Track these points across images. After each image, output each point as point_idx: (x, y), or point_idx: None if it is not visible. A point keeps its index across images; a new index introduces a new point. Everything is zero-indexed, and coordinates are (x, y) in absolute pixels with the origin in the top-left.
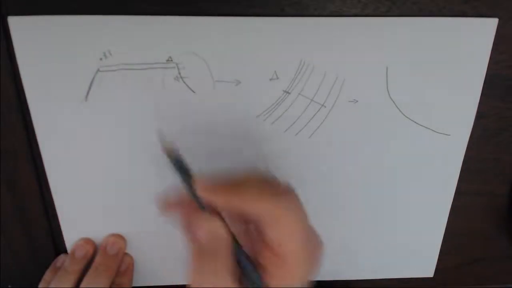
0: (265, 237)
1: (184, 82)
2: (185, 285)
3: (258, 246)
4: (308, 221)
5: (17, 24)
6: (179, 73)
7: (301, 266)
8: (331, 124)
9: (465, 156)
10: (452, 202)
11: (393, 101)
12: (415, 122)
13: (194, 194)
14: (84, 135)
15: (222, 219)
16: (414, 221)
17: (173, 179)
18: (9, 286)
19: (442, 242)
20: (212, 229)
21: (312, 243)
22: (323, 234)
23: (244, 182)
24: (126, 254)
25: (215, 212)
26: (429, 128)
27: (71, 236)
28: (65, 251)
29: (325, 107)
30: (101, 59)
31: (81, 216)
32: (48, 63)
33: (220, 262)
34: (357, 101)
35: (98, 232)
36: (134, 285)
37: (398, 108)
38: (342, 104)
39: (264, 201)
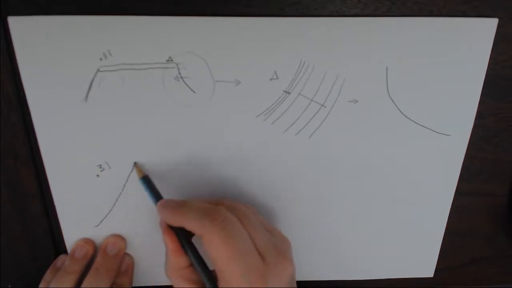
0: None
1: (184, 82)
2: None
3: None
4: (243, 244)
5: (17, 24)
6: (179, 73)
7: (237, 282)
8: (331, 124)
9: (465, 156)
10: (452, 202)
11: (393, 101)
12: (415, 122)
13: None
14: (84, 135)
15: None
16: (414, 221)
17: (171, 179)
18: (9, 286)
19: (442, 242)
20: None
21: (252, 262)
22: (323, 234)
23: (189, 205)
24: (126, 254)
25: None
26: (429, 128)
27: (71, 236)
28: (65, 251)
29: (325, 107)
30: (101, 59)
31: (81, 216)
32: (48, 63)
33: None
34: (357, 101)
35: (98, 232)
36: (134, 285)
37: (398, 108)
38: (342, 104)
39: (196, 222)
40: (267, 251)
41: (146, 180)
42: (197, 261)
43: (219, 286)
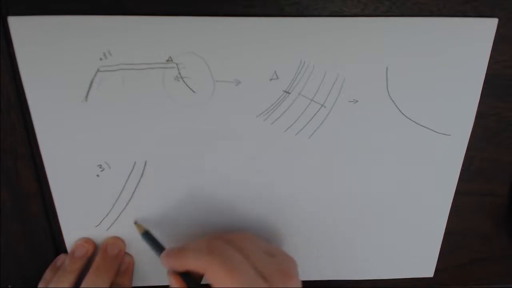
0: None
1: (184, 82)
2: None
3: None
4: (246, 272)
5: (17, 24)
6: (179, 73)
7: None
8: (331, 124)
9: (465, 156)
10: (452, 202)
11: (393, 101)
12: (415, 122)
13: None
14: (84, 135)
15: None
16: (414, 221)
17: (171, 179)
18: (9, 286)
19: (442, 242)
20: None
21: (256, 283)
22: (323, 234)
23: (188, 247)
24: (126, 254)
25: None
26: (429, 128)
27: (71, 236)
28: (65, 251)
29: (325, 107)
30: (101, 59)
31: (81, 216)
32: (48, 63)
33: None
34: (357, 101)
35: (98, 232)
36: (134, 285)
37: (398, 108)
38: (342, 104)
39: (197, 261)
40: (270, 273)
41: (147, 236)
42: None
43: None
